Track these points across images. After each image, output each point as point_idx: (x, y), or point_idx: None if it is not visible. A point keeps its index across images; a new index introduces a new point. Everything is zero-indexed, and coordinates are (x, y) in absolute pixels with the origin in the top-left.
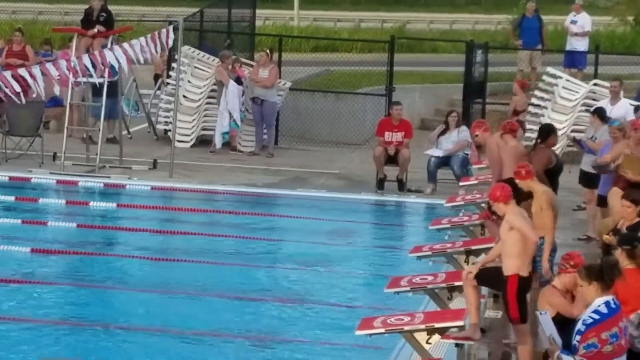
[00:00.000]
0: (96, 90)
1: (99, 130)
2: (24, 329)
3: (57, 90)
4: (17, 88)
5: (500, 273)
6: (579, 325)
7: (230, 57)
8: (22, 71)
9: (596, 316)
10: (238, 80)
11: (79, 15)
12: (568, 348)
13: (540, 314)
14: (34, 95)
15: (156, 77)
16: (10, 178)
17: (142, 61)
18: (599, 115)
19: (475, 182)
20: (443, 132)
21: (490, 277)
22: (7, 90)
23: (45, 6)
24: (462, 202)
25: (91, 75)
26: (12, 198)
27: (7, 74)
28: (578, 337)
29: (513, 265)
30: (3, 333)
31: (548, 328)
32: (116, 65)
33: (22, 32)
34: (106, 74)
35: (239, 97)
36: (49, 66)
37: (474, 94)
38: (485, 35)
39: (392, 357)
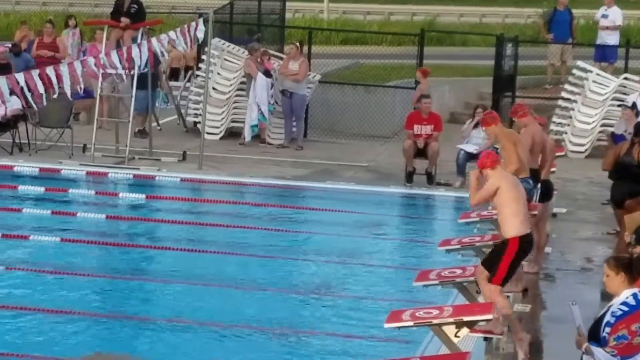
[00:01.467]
0: (139, 83)
1: (129, 122)
2: (53, 320)
3: (80, 88)
4: (41, 89)
5: (498, 246)
6: (608, 317)
7: (259, 49)
8: (49, 70)
9: (625, 308)
10: (267, 73)
11: (109, 7)
12: (594, 339)
13: (572, 304)
14: (55, 95)
15: (173, 71)
16: (41, 169)
17: (167, 55)
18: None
19: None
20: (475, 126)
21: (491, 254)
22: (29, 96)
23: None
24: None
25: (124, 68)
26: (42, 189)
27: (35, 73)
28: (608, 329)
29: (511, 228)
30: (33, 324)
31: (577, 318)
32: (138, 62)
33: (53, 24)
34: (149, 65)
35: (268, 90)
36: (77, 64)
37: (503, 88)
38: (515, 29)
39: (420, 350)
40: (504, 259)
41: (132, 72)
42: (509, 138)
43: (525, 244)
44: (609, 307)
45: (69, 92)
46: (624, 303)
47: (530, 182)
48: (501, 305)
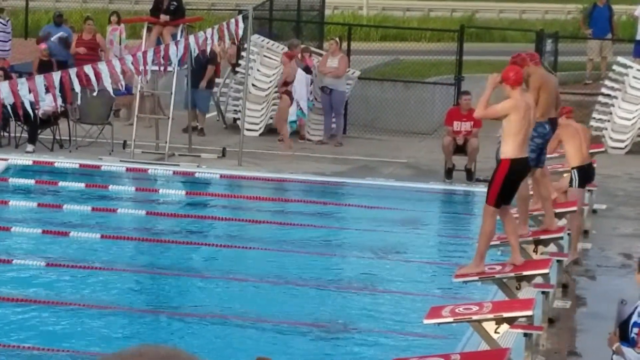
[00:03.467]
0: (194, 81)
1: (169, 118)
2: (94, 315)
3: (121, 85)
4: (77, 88)
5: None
6: (635, 317)
7: (298, 45)
8: (87, 68)
9: None
10: (307, 69)
11: (149, 4)
12: (623, 339)
13: (622, 303)
14: (95, 93)
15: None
16: (81, 165)
17: (208, 52)
18: None
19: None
20: None
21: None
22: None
23: None
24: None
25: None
26: (82, 185)
27: (72, 71)
28: (636, 330)
29: (506, 149)
30: (74, 319)
31: (619, 317)
32: (175, 60)
33: (92, 21)
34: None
35: (307, 86)
36: (115, 62)
37: None
38: (555, 25)
39: (460, 346)
40: (496, 180)
41: (170, 70)
42: (539, 81)
43: (517, 166)
44: (636, 307)
45: (110, 89)
46: None
47: (547, 126)
48: (487, 227)
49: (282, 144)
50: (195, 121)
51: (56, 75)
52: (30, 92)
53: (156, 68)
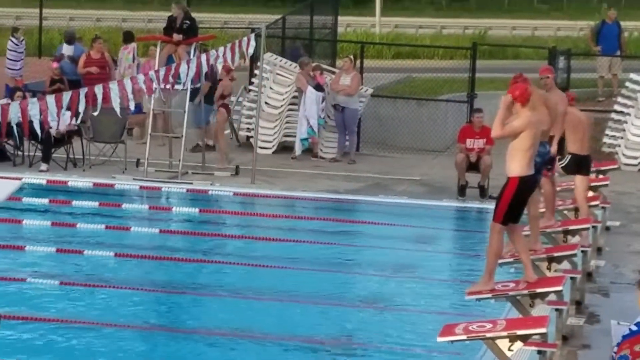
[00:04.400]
0: (192, 96)
1: (182, 137)
2: (107, 334)
3: (132, 104)
4: (82, 108)
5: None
6: (619, 337)
7: (309, 63)
8: (97, 88)
9: (635, 328)
10: (318, 87)
11: (162, 22)
12: None
13: (618, 324)
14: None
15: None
16: (94, 184)
17: (219, 70)
18: None
19: (558, 188)
20: None
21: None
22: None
23: (129, 14)
24: (543, 210)
25: (178, 83)
26: (96, 204)
27: (83, 91)
28: (615, 348)
29: (514, 167)
30: (88, 337)
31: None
32: (184, 78)
33: (101, 40)
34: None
35: (318, 104)
36: (126, 81)
37: None
38: (567, 42)
39: None
40: (504, 197)
41: (181, 88)
42: (545, 104)
43: (525, 184)
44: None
45: (118, 110)
46: (637, 323)
47: (547, 146)
48: (494, 244)
49: (219, 159)
50: (206, 138)
51: (66, 95)
52: (41, 113)
53: (168, 87)
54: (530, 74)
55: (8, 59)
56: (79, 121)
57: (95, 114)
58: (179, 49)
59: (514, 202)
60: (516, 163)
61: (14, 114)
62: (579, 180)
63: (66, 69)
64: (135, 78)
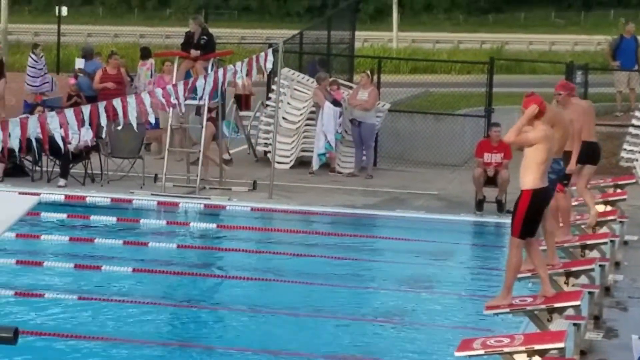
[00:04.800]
0: (198, 112)
1: (199, 152)
2: (127, 349)
3: (152, 118)
4: (104, 122)
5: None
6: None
7: (326, 78)
8: (116, 102)
9: None
10: (335, 102)
11: (180, 38)
12: None
13: (639, 338)
14: (120, 127)
15: (237, 97)
16: (112, 199)
17: (240, 85)
18: None
19: (575, 203)
20: None
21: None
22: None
23: (147, 29)
24: (560, 225)
25: (194, 98)
26: (114, 219)
27: (101, 105)
28: None
29: (528, 180)
30: (106, 353)
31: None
32: (200, 93)
33: (117, 56)
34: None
35: (335, 119)
36: (144, 95)
37: None
38: (585, 56)
39: None
40: (519, 211)
41: (197, 103)
42: (552, 121)
43: (539, 196)
44: None
45: (135, 124)
46: None
47: (561, 163)
48: (513, 259)
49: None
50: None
51: (85, 109)
52: (61, 126)
53: (180, 102)
54: (547, 89)
55: (28, 75)
56: (103, 135)
57: (119, 128)
58: (196, 65)
59: (529, 215)
60: (529, 176)
61: (33, 129)
62: (586, 170)
63: (83, 85)
64: (153, 92)
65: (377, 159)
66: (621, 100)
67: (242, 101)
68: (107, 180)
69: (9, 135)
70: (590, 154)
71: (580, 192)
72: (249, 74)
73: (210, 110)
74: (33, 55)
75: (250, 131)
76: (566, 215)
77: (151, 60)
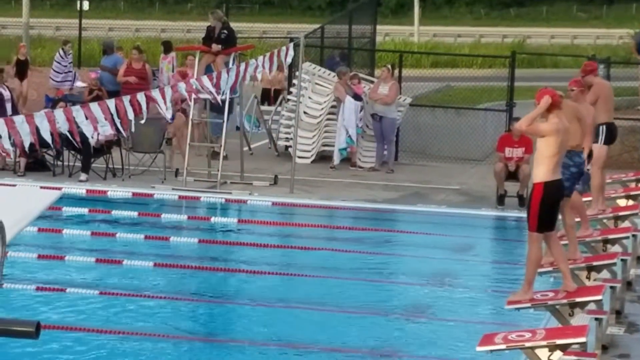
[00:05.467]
0: (212, 106)
1: (221, 146)
2: (149, 343)
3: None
4: (131, 116)
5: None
6: None
7: (347, 73)
8: (140, 96)
9: None
10: (356, 97)
11: (201, 32)
12: None
13: None
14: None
15: (265, 92)
16: (134, 194)
17: (259, 79)
18: None
19: (587, 199)
20: None
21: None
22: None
23: (168, 24)
24: (578, 219)
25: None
26: (135, 214)
27: (126, 99)
28: None
29: (539, 172)
30: (126, 346)
31: None
32: (224, 87)
33: (140, 50)
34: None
35: (356, 113)
36: (167, 89)
37: None
38: (607, 50)
39: None
40: (532, 205)
41: (227, 95)
42: (575, 114)
43: (550, 188)
44: None
45: (166, 114)
46: None
47: (582, 156)
48: (532, 254)
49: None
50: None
51: (110, 103)
52: (87, 118)
53: (207, 96)
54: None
55: (53, 69)
56: (132, 129)
57: (142, 121)
58: (217, 59)
59: (543, 208)
60: (541, 169)
61: (62, 121)
62: (605, 150)
63: (104, 79)
64: (176, 86)
65: (398, 153)
66: None
67: (271, 95)
68: (129, 174)
69: (37, 130)
70: (610, 134)
71: (594, 173)
72: (270, 68)
73: (182, 101)
74: (61, 52)
75: (271, 126)
76: (581, 210)
77: (172, 54)
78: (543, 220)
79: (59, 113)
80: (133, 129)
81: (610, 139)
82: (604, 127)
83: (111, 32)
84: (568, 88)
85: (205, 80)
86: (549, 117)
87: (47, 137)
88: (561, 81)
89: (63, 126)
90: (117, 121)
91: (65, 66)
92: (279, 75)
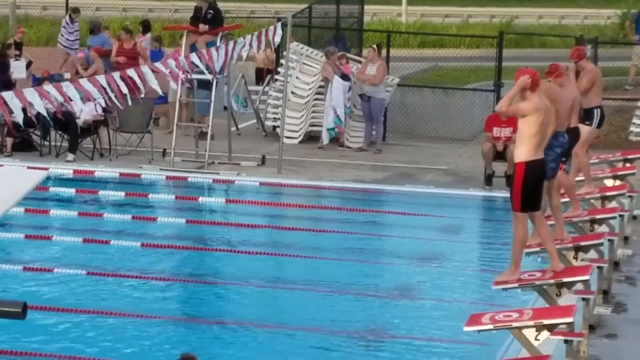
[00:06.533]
0: (200, 85)
1: (209, 126)
2: (133, 324)
3: (173, 85)
4: (125, 90)
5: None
6: None
7: (335, 53)
8: (130, 72)
9: None
10: (344, 76)
11: (189, 12)
12: None
13: None
14: (142, 95)
15: (258, 71)
16: (121, 174)
17: (244, 59)
18: None
19: (579, 178)
20: None
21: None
22: (113, 95)
23: (156, 4)
24: (567, 199)
25: (200, 72)
26: (122, 194)
27: (116, 75)
28: None
29: (521, 152)
30: (114, 328)
31: None
32: (217, 67)
33: (129, 31)
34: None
35: (344, 93)
36: (158, 65)
37: None
38: (594, 30)
39: (500, 353)
40: (515, 185)
41: (215, 75)
42: (548, 96)
43: (532, 168)
44: None
45: (159, 89)
46: None
47: (566, 136)
48: (518, 233)
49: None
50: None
51: (101, 79)
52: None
53: (196, 76)
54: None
55: (61, 35)
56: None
57: (141, 95)
58: (198, 39)
59: (526, 188)
60: (522, 148)
61: (54, 96)
62: (595, 133)
63: (91, 60)
64: (165, 63)
65: (386, 133)
66: (635, 73)
67: (264, 75)
68: (116, 155)
69: (31, 105)
70: (602, 118)
71: (579, 152)
72: (258, 47)
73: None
74: (68, 18)
75: (258, 105)
76: (570, 191)
77: (148, 35)
78: (526, 199)
79: (50, 88)
80: (130, 102)
81: (601, 123)
82: (598, 110)
83: (98, 12)
84: (570, 64)
85: (194, 57)
86: (528, 96)
87: (42, 110)
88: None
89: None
90: (112, 94)
91: (72, 33)
92: (273, 55)
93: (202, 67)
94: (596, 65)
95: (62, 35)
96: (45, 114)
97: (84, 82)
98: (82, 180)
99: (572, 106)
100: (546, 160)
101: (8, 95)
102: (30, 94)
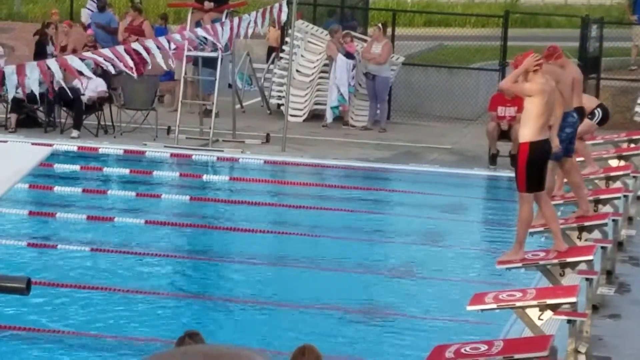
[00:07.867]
0: (205, 63)
1: (213, 103)
2: (138, 300)
3: (172, 63)
4: (131, 63)
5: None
6: None
7: (339, 31)
8: (135, 45)
9: None
10: (349, 55)
11: None
12: None
13: None
14: (149, 67)
15: (270, 50)
16: (125, 151)
17: (249, 36)
18: None
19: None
20: None
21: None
22: (121, 65)
23: None
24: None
25: (203, 49)
26: (126, 171)
27: (120, 48)
28: None
29: (525, 133)
30: (118, 304)
31: None
32: (223, 42)
33: (138, 9)
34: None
35: (348, 72)
36: (162, 39)
37: (588, 69)
38: (600, 10)
39: (503, 332)
40: (519, 165)
41: (220, 52)
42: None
43: (537, 147)
44: None
45: (163, 64)
46: None
47: (575, 115)
48: (523, 214)
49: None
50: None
51: (106, 52)
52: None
53: (201, 53)
54: (564, 43)
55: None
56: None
57: (148, 67)
58: (204, 17)
59: (530, 169)
60: (527, 129)
61: (55, 70)
62: (594, 128)
63: (99, 37)
64: (170, 36)
65: (390, 112)
66: (637, 54)
67: (277, 53)
68: (120, 131)
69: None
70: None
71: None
72: (262, 24)
73: (75, 51)
74: None
75: (263, 83)
76: (586, 155)
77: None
78: (531, 180)
79: (52, 62)
80: (120, 90)
81: (603, 121)
82: (600, 110)
83: None
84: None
85: (200, 31)
86: (532, 77)
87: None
88: (554, 41)
89: (57, 75)
90: (120, 64)
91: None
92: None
93: (211, 39)
94: (601, 51)
95: (89, 9)
96: (37, 92)
97: (88, 54)
98: (86, 157)
99: (572, 86)
100: (560, 140)
101: (9, 69)
102: (31, 68)
